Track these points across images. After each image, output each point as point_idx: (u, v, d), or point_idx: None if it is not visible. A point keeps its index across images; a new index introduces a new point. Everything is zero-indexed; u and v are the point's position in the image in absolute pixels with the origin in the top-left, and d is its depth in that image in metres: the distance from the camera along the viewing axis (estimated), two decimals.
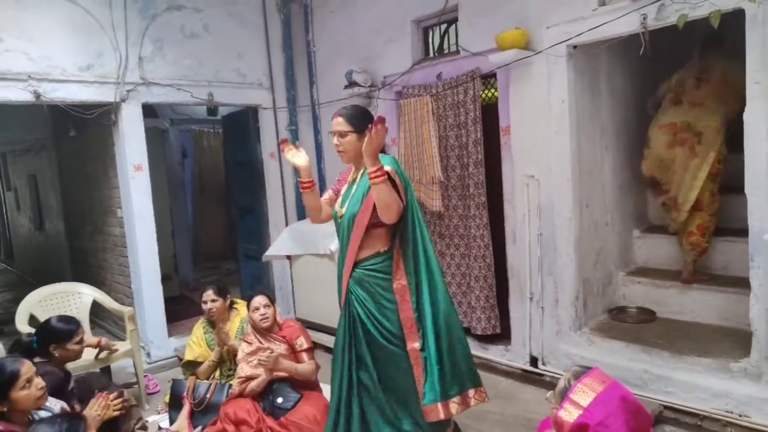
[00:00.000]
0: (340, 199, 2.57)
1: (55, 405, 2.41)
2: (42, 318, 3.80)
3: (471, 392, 2.46)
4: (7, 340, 3.88)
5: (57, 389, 2.76)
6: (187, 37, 4.63)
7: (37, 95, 3.86)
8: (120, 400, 2.49)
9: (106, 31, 4.16)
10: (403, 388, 2.44)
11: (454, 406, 2.40)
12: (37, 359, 2.90)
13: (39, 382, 2.20)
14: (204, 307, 3.50)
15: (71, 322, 3.00)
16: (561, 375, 3.37)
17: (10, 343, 3.11)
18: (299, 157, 2.51)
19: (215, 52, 4.78)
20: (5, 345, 3.63)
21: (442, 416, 2.36)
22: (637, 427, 1.82)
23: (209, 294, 3.51)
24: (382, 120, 2.18)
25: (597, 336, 3.51)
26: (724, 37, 3.34)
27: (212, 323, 3.55)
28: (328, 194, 2.67)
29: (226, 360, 3.48)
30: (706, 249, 3.65)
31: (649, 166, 3.82)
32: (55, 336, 2.93)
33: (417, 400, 2.39)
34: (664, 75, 3.85)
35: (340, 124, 2.43)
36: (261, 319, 3.15)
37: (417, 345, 2.38)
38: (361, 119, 2.43)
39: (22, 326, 3.72)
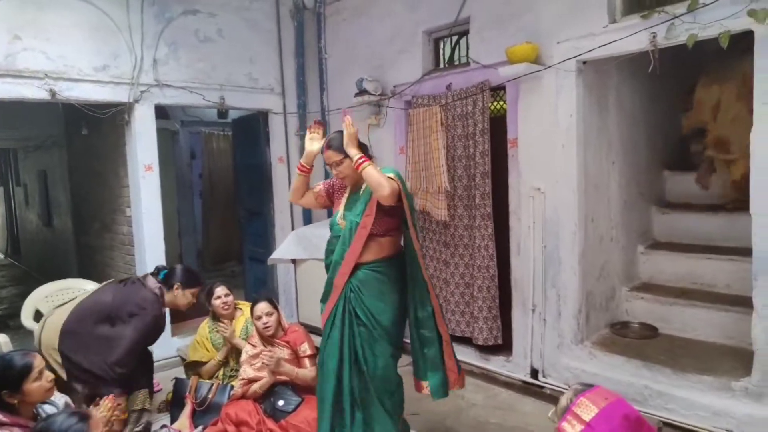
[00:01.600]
0: (341, 212, 2.72)
1: (60, 399, 2.44)
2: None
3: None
4: (12, 335, 3.92)
5: (159, 326, 3.06)
6: (201, 41, 4.70)
7: (53, 93, 3.92)
8: (121, 411, 2.48)
9: (122, 33, 4.23)
10: (389, 378, 2.65)
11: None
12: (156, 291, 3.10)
13: (49, 374, 2.23)
14: (216, 302, 3.54)
15: (197, 277, 3.25)
16: (561, 388, 3.41)
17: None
18: (315, 144, 2.68)
19: (228, 57, 4.84)
20: (12, 339, 3.68)
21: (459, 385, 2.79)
22: None
23: (222, 289, 3.59)
24: (345, 113, 2.56)
25: (598, 350, 3.51)
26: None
27: (217, 321, 3.58)
28: (318, 188, 2.87)
29: (230, 361, 3.50)
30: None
31: (689, 119, 4.01)
32: (186, 276, 3.17)
33: (399, 388, 2.69)
34: (671, 92, 3.88)
35: (332, 156, 2.62)
36: (264, 328, 3.17)
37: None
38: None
39: (27, 321, 3.77)
